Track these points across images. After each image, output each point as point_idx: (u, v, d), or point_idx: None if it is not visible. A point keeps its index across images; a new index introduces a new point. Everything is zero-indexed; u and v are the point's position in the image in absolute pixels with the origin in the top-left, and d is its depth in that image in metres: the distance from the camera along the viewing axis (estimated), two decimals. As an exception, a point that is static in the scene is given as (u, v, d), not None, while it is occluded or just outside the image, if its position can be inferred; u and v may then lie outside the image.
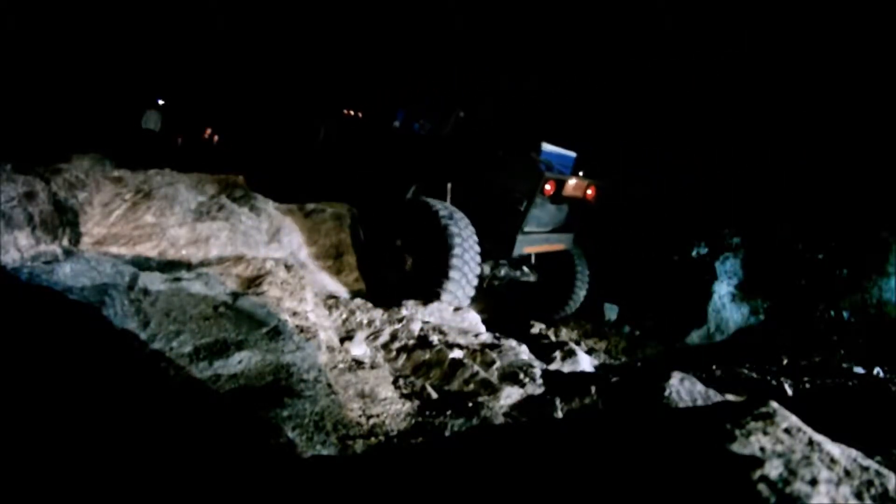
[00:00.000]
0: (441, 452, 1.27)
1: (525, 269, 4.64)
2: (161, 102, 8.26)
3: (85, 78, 8.35)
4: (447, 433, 1.84)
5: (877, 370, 3.78)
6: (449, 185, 3.90)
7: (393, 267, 3.77)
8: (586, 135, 6.49)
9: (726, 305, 5.07)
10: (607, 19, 6.66)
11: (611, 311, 5.37)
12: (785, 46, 5.51)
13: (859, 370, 3.79)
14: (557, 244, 4.20)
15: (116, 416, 1.33)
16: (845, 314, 4.75)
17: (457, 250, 3.28)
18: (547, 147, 3.88)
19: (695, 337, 4.95)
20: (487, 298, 5.00)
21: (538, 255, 4.52)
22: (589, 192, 4.08)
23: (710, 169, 5.74)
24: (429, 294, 3.30)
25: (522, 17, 7.16)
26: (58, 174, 3.50)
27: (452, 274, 3.27)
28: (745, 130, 5.66)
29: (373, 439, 1.76)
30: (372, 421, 1.89)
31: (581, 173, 4.15)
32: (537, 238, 3.96)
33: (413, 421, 1.93)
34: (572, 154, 4.17)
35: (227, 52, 9.39)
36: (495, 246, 3.72)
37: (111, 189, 3.81)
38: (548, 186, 3.60)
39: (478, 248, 3.41)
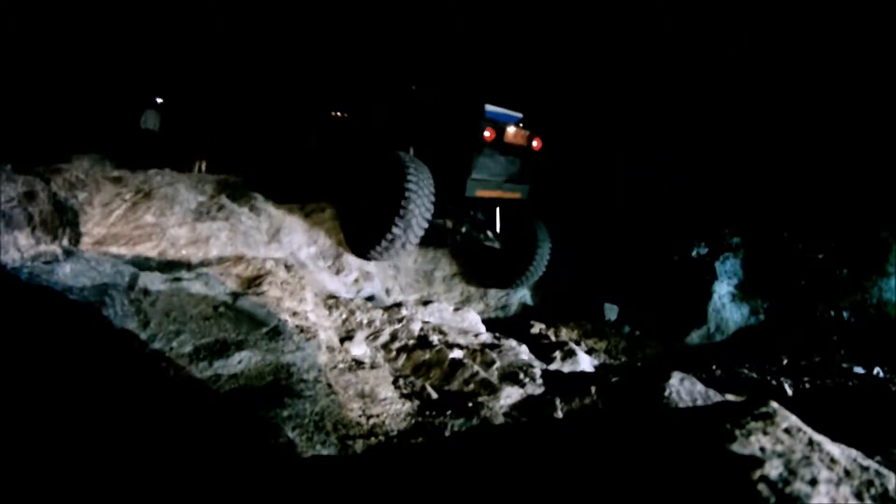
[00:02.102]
0: (441, 452, 1.27)
1: (489, 234, 4.94)
2: (160, 101, 8.23)
3: (84, 78, 8.35)
4: (447, 433, 1.84)
5: (877, 370, 3.78)
6: (411, 149, 4.57)
7: (364, 206, 4.29)
8: (587, 133, 6.50)
9: (726, 305, 5.06)
10: (608, 18, 6.67)
11: (611, 311, 5.37)
12: (785, 46, 5.50)
13: (859, 370, 3.78)
14: (511, 192, 4.68)
15: (117, 416, 1.33)
16: (845, 314, 4.75)
17: (412, 177, 3.88)
18: (490, 108, 4.28)
19: (695, 337, 4.94)
20: (455, 257, 5.43)
21: (502, 225, 5.01)
22: (535, 143, 4.58)
23: (710, 169, 5.73)
24: (389, 220, 3.87)
25: (517, 13, 7.16)
26: (58, 174, 3.51)
27: (409, 195, 3.83)
28: (745, 130, 5.65)
29: (373, 439, 1.76)
30: (372, 421, 1.89)
31: (521, 125, 4.53)
32: (490, 184, 4.47)
33: (413, 421, 1.93)
34: (518, 114, 4.54)
35: (224, 54, 9.40)
36: (450, 189, 4.29)
37: (111, 189, 3.82)
38: (487, 133, 4.17)
39: (432, 186, 4.02)
